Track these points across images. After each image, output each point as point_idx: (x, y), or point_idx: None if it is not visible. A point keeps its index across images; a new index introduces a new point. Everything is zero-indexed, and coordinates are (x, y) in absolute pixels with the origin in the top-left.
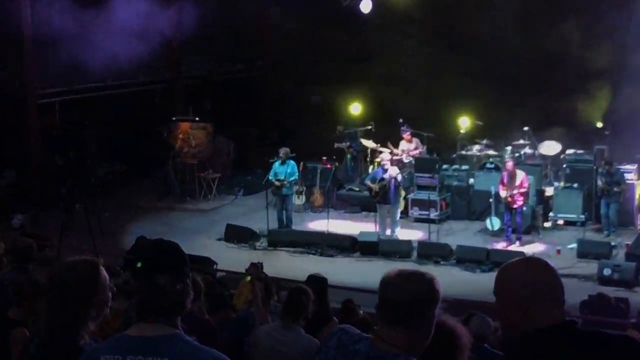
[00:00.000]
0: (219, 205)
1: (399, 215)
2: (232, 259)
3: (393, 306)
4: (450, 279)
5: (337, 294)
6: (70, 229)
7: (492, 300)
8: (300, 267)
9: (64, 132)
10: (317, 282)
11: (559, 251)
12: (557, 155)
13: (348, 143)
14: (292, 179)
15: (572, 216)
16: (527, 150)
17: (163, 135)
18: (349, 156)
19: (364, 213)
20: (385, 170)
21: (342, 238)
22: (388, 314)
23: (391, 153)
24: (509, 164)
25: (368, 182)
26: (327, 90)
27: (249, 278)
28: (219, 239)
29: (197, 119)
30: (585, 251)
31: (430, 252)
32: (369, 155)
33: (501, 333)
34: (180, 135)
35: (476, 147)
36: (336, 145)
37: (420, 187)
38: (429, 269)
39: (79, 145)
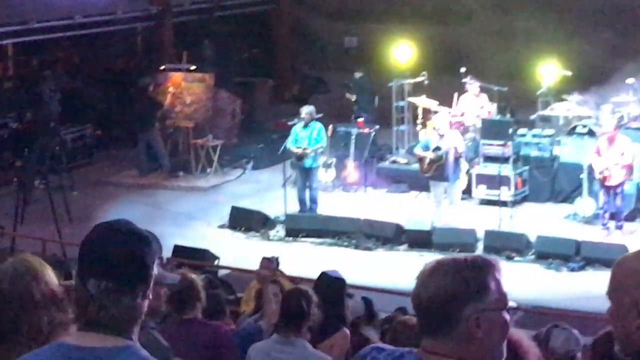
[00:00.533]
0: (221, 182)
1: (459, 195)
2: (238, 252)
3: (416, 306)
4: (527, 280)
5: (379, 299)
6: (29, 213)
7: (583, 307)
8: (329, 264)
9: (18, 85)
10: (331, 283)
11: None
12: None
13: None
14: (317, 146)
15: None
16: (633, 109)
17: (148, 90)
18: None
19: (413, 193)
20: (442, 136)
21: (384, 226)
22: (419, 319)
23: (450, 113)
24: (608, 128)
25: (419, 151)
26: (365, 29)
27: (260, 278)
28: (222, 226)
29: (192, 68)
30: None
31: (502, 244)
32: (420, 117)
33: (617, 348)
34: (171, 90)
35: (563, 106)
36: (347, 95)
37: (489, 159)
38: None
39: (38, 103)
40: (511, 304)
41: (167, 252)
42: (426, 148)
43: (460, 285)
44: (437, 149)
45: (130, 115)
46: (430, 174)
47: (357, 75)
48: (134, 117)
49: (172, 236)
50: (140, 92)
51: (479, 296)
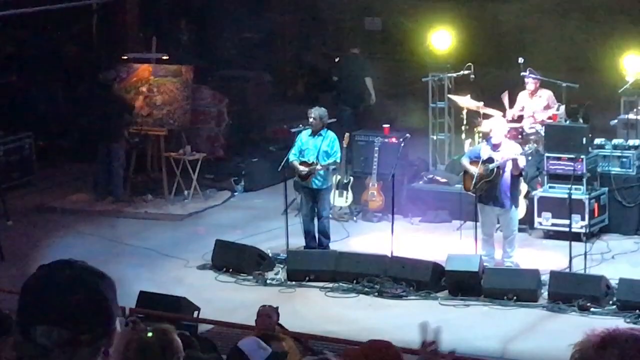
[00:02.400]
0: (202, 207)
1: (516, 225)
2: (225, 301)
3: None
4: None
5: None
6: None
7: None
8: (345, 317)
9: None
10: None
11: None
12: None
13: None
14: (328, 162)
15: None
16: None
17: (112, 87)
18: None
19: (455, 222)
20: (497, 147)
21: (418, 266)
22: None
23: (505, 117)
24: None
25: (465, 162)
26: (392, 7)
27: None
28: (203, 267)
29: (164, 57)
30: None
31: (573, 290)
32: (465, 121)
33: None
34: (138, 87)
35: None
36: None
37: (555, 178)
38: (570, 320)
39: None
40: None
41: (129, 300)
42: (476, 158)
43: None
44: (490, 161)
45: (91, 121)
46: (479, 194)
47: (353, 51)
48: (95, 124)
49: (136, 279)
50: (103, 91)
51: None
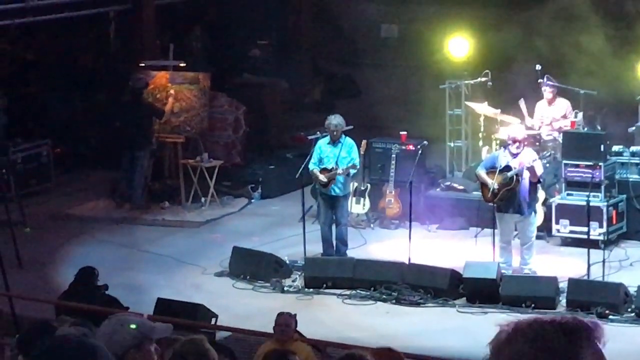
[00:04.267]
0: (219, 215)
1: (534, 232)
2: (243, 308)
3: None
4: (625, 346)
5: None
6: None
7: None
8: (363, 324)
9: None
10: None
11: None
12: None
13: None
14: (349, 165)
15: None
16: None
17: (141, 93)
18: None
19: (472, 230)
20: (515, 155)
21: (435, 273)
22: None
23: (523, 120)
24: None
25: (482, 173)
26: (408, 14)
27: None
28: (220, 274)
29: (182, 64)
30: None
31: (591, 298)
32: (482, 129)
33: None
34: (171, 92)
35: None
36: None
37: (573, 185)
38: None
39: None
40: None
41: (147, 308)
42: (492, 168)
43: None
44: (507, 169)
45: (121, 129)
46: (497, 203)
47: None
48: (123, 131)
49: (154, 286)
50: (133, 97)
51: None
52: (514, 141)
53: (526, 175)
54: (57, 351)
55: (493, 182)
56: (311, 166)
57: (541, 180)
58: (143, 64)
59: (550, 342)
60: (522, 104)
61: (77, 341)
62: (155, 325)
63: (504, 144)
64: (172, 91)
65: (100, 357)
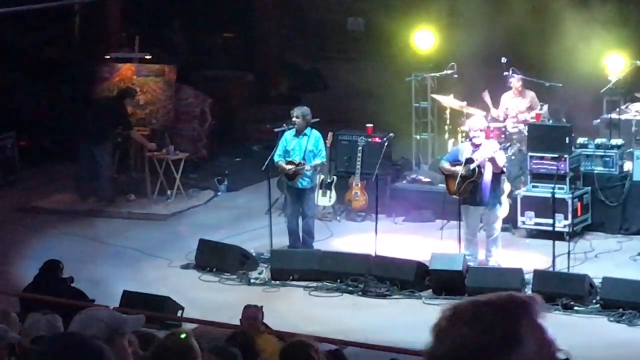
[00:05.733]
0: (185, 207)
1: (499, 224)
2: (209, 300)
3: None
4: (590, 337)
5: None
6: None
7: None
8: (329, 316)
9: None
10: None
11: None
12: None
13: None
14: (316, 163)
15: None
16: None
17: (124, 96)
18: None
19: (438, 222)
20: (478, 147)
21: (402, 265)
22: None
23: (487, 115)
24: None
25: (446, 166)
26: (374, 7)
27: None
28: (187, 266)
29: (147, 56)
30: None
31: (557, 289)
32: (448, 121)
33: None
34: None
35: (636, 107)
36: None
37: (539, 177)
38: (553, 319)
39: None
40: (562, 355)
41: (113, 300)
42: (456, 162)
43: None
44: (470, 161)
45: (89, 121)
46: (462, 195)
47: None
48: (93, 124)
49: (120, 279)
50: (117, 98)
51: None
52: (474, 130)
53: (488, 166)
54: (63, 350)
55: (461, 171)
56: (276, 158)
57: (504, 171)
58: (108, 56)
59: (488, 322)
60: (486, 96)
61: (83, 340)
62: (127, 317)
63: (468, 137)
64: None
65: (108, 358)
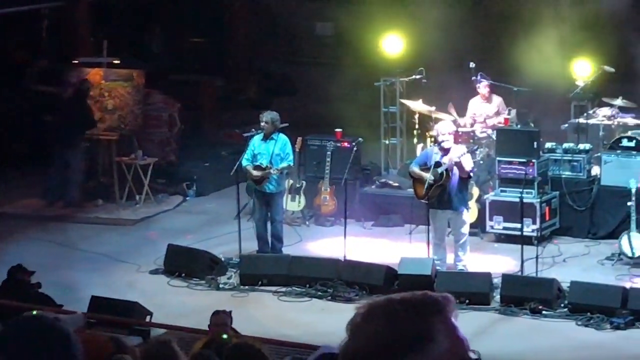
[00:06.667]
0: (154, 212)
1: (467, 229)
2: (178, 305)
3: None
4: (558, 341)
5: None
6: None
7: None
8: (298, 321)
9: None
10: None
11: None
12: None
13: None
14: (282, 166)
15: None
16: None
17: (87, 94)
18: None
19: (407, 226)
20: (446, 151)
21: (370, 270)
22: None
23: (454, 121)
24: None
25: (415, 170)
26: (343, 12)
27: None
28: (155, 271)
29: (116, 61)
30: None
31: (525, 293)
32: (417, 126)
33: None
34: (105, 90)
35: (604, 112)
36: None
37: (507, 182)
38: (522, 323)
39: None
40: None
41: (81, 305)
42: (424, 165)
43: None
44: (438, 165)
45: (56, 125)
46: (430, 200)
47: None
48: (61, 128)
49: (88, 284)
50: (77, 97)
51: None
52: (443, 134)
53: (456, 170)
54: (28, 333)
55: (429, 176)
56: (244, 162)
57: (471, 175)
58: (76, 61)
59: (402, 320)
60: (451, 108)
61: (48, 323)
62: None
63: (437, 142)
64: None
65: (75, 342)
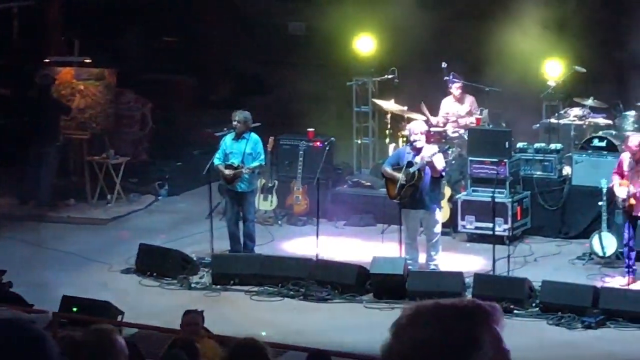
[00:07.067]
0: (126, 212)
1: (439, 228)
2: (149, 305)
3: None
4: (529, 340)
5: None
6: None
7: None
8: (270, 320)
9: None
10: None
11: None
12: None
13: None
14: (254, 165)
15: None
16: None
17: (49, 89)
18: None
19: (379, 226)
20: (418, 150)
21: (343, 269)
22: None
23: (427, 121)
24: (633, 142)
25: (387, 170)
26: (316, 11)
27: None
28: (127, 271)
29: (87, 60)
30: None
31: (496, 292)
32: (389, 126)
33: None
34: (60, 91)
35: (575, 112)
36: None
37: (478, 181)
38: None
39: None
40: None
41: (53, 305)
42: (397, 165)
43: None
44: (410, 165)
45: (28, 125)
46: (402, 199)
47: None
48: (36, 128)
49: (60, 284)
50: (40, 93)
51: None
52: (415, 134)
53: (428, 170)
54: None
55: (401, 176)
56: (216, 161)
57: (443, 174)
58: (48, 60)
59: (451, 325)
60: (423, 107)
61: (21, 326)
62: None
63: (409, 141)
64: (81, 87)
65: (50, 345)
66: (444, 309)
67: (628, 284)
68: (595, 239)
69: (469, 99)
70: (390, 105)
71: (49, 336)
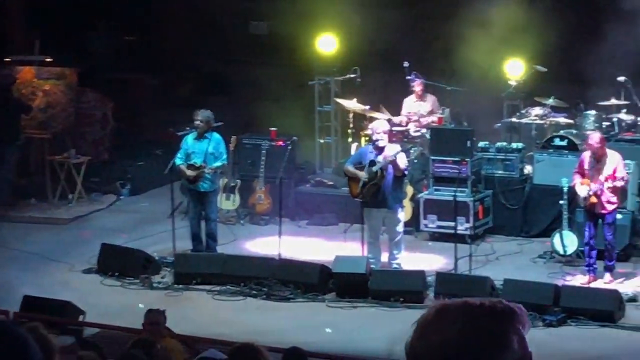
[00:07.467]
0: (87, 211)
1: (402, 227)
2: (111, 305)
3: None
4: None
5: None
6: None
7: None
8: (233, 319)
9: None
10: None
11: None
12: None
13: None
14: (216, 165)
15: None
16: (625, 116)
17: (9, 88)
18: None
19: (342, 225)
20: (380, 149)
21: (305, 268)
22: None
23: (389, 120)
24: (594, 141)
25: (349, 169)
26: (277, 10)
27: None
28: (89, 271)
29: (48, 59)
30: None
31: (458, 291)
32: (351, 125)
33: None
34: (20, 90)
35: (536, 111)
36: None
37: (440, 180)
38: None
39: None
40: None
41: (14, 305)
42: (359, 164)
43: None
44: (373, 164)
45: None
46: (365, 198)
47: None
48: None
49: (21, 284)
50: (2, 92)
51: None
52: (377, 133)
53: (391, 169)
54: None
55: (364, 175)
56: (178, 161)
57: (406, 173)
58: (8, 59)
59: (481, 324)
60: (382, 110)
61: (3, 327)
62: None
63: (371, 140)
64: (47, 86)
65: (33, 348)
66: (473, 306)
67: (589, 282)
68: (556, 238)
69: (431, 98)
70: (352, 104)
71: (32, 338)
